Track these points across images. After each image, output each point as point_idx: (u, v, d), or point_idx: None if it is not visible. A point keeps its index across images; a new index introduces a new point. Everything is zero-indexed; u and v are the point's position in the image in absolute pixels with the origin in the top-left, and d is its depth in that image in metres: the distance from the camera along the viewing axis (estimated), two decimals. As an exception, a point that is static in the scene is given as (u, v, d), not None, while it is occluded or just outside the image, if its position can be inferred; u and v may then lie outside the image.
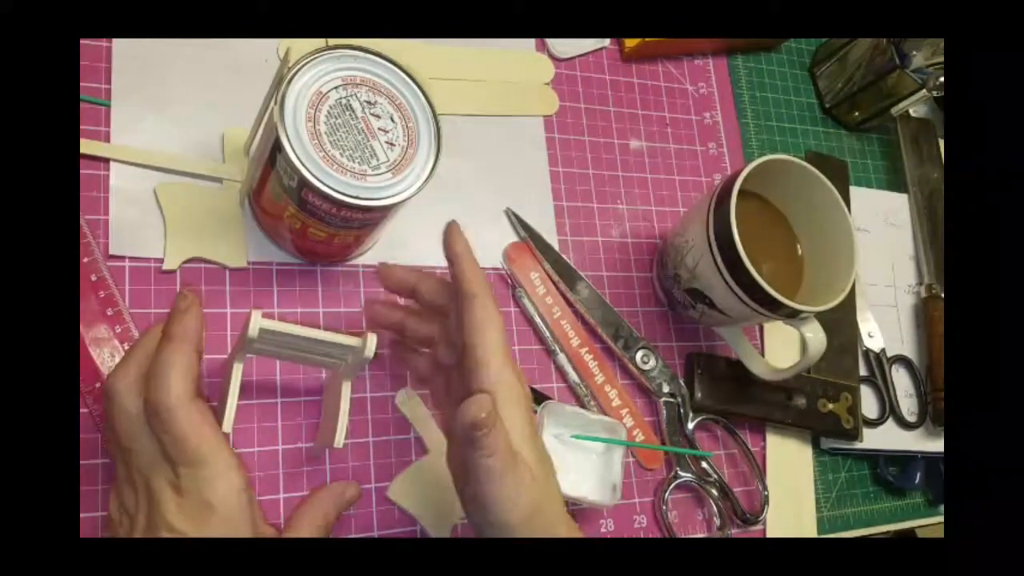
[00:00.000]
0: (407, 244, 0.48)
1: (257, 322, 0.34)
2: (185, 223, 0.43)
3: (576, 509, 0.48)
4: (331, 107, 0.37)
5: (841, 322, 0.59)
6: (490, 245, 0.51)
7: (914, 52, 0.62)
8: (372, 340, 0.36)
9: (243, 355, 0.37)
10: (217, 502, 0.31)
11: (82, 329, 0.38)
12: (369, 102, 0.38)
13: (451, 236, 0.37)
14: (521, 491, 0.33)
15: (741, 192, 0.46)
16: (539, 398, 0.48)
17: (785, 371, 0.50)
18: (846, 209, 0.50)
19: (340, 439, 0.38)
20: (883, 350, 0.61)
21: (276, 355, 0.38)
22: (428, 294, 0.40)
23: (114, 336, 0.40)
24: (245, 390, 0.42)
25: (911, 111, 0.69)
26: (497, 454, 0.32)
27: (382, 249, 0.47)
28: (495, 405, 0.33)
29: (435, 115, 0.40)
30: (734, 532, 0.52)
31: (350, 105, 0.38)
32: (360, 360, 0.37)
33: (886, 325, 0.62)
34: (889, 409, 0.60)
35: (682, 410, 0.52)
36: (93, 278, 0.39)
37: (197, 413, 0.32)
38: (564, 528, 0.35)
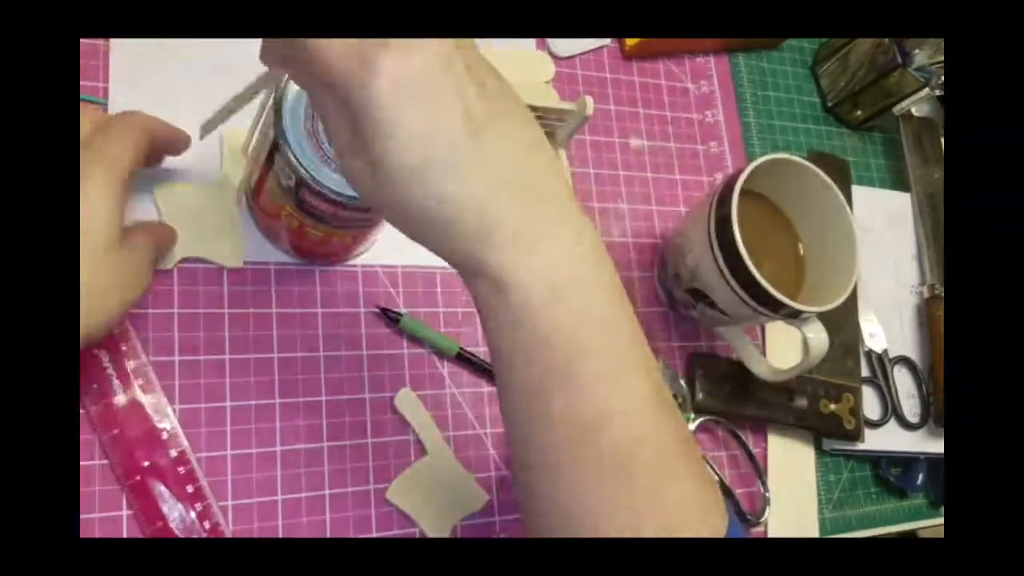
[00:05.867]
0: (405, 245, 0.48)
1: None
2: (182, 222, 0.42)
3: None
4: (329, 107, 0.37)
5: (843, 322, 0.59)
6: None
7: (916, 51, 0.62)
8: (589, 101, 0.39)
9: None
10: (106, 153, 0.35)
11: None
12: (368, 102, 0.38)
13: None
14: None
15: (743, 191, 0.46)
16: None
17: (787, 372, 0.50)
18: (848, 209, 0.50)
19: None
20: (885, 350, 0.61)
21: None
22: None
23: (111, 338, 0.40)
24: (241, 393, 0.42)
25: (913, 110, 0.69)
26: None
27: (381, 250, 0.47)
28: None
29: (434, 115, 0.39)
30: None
31: (349, 105, 0.38)
32: (580, 120, 0.40)
33: (888, 325, 0.62)
34: (891, 410, 0.59)
35: (683, 411, 0.52)
36: (92, 278, 0.39)
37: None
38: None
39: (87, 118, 0.37)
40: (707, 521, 0.31)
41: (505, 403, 0.31)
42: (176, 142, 0.41)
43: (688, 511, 0.31)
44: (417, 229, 0.29)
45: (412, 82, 0.26)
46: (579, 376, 0.28)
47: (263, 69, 0.35)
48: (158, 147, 0.40)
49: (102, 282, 0.34)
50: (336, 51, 0.26)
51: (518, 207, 0.28)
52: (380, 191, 0.27)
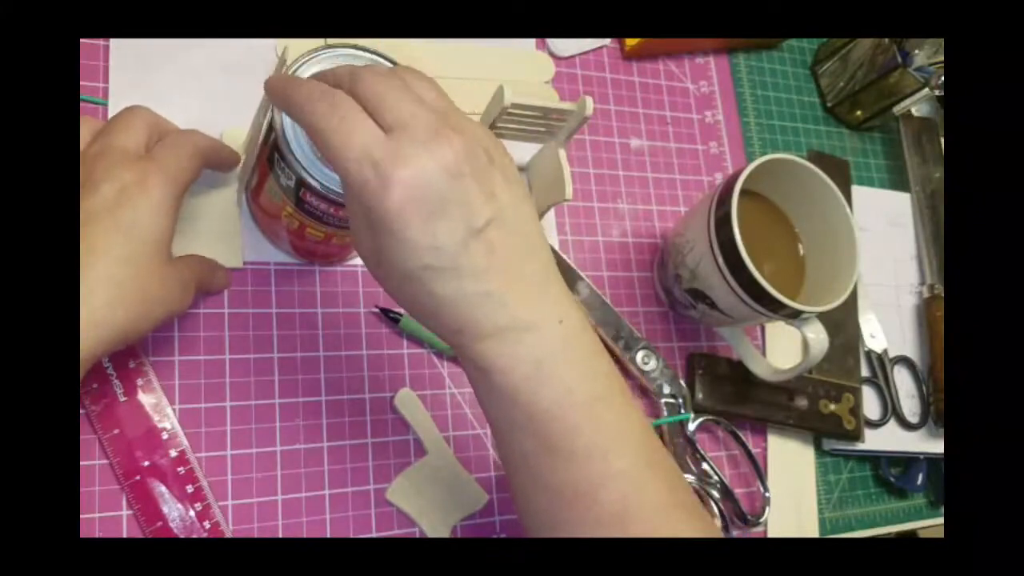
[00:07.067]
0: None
1: (508, 96, 0.41)
2: (182, 222, 0.42)
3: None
4: (330, 107, 0.37)
5: (843, 322, 0.59)
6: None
7: (916, 51, 0.62)
8: (589, 101, 0.41)
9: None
10: (169, 169, 0.35)
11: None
12: (368, 102, 0.38)
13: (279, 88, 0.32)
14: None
15: (742, 191, 0.46)
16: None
17: (787, 372, 0.50)
18: (848, 209, 0.50)
19: (569, 191, 0.44)
20: (885, 351, 0.61)
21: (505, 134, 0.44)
22: None
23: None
24: (241, 393, 0.42)
25: (913, 110, 0.69)
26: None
27: (382, 249, 0.47)
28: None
29: (434, 115, 0.39)
30: (735, 533, 0.52)
31: (349, 105, 0.38)
32: (580, 120, 0.42)
33: (888, 325, 0.62)
34: (891, 410, 0.59)
35: (683, 411, 0.52)
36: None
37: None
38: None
39: (142, 120, 0.37)
40: None
41: (506, 468, 0.33)
42: (227, 161, 0.42)
43: None
44: (409, 310, 0.31)
45: (422, 197, 0.28)
46: (571, 451, 0.30)
47: (262, 68, 0.35)
48: (210, 165, 0.40)
49: (154, 292, 0.34)
50: (354, 160, 0.28)
51: (502, 306, 0.30)
52: (380, 276, 0.31)
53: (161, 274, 0.35)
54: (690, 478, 0.51)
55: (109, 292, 0.32)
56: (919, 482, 0.59)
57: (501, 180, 0.30)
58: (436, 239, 0.28)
